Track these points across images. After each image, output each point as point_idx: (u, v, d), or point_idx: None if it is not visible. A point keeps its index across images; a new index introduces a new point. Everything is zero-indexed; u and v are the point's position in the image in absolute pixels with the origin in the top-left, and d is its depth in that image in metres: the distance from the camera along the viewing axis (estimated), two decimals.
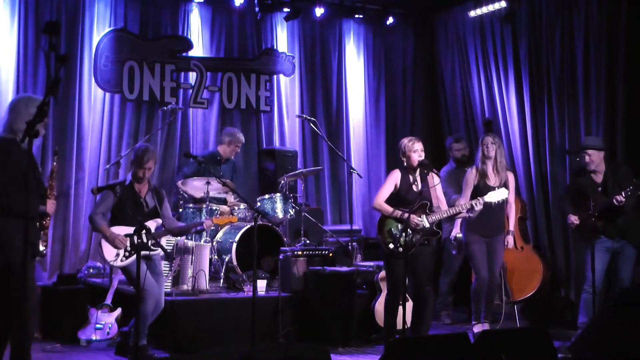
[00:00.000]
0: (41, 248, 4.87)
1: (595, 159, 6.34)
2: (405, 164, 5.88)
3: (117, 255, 5.62)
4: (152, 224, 5.73)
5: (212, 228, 6.50)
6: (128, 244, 5.63)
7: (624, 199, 6.07)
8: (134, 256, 5.56)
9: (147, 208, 5.82)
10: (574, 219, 6.39)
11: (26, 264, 4.51)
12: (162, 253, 5.72)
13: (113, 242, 5.62)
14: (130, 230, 5.52)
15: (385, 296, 5.95)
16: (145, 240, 5.52)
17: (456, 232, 6.85)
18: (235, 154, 7.98)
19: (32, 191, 4.64)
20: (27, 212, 4.27)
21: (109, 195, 5.72)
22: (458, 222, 6.79)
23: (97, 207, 5.79)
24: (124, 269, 5.73)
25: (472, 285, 6.71)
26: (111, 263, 5.66)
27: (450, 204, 7.25)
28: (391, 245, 5.70)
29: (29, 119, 4.52)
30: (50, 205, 4.86)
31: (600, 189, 6.32)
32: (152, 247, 5.63)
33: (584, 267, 6.68)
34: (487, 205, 5.97)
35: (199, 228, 6.04)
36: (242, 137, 8.00)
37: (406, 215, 5.59)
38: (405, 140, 5.91)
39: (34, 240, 4.76)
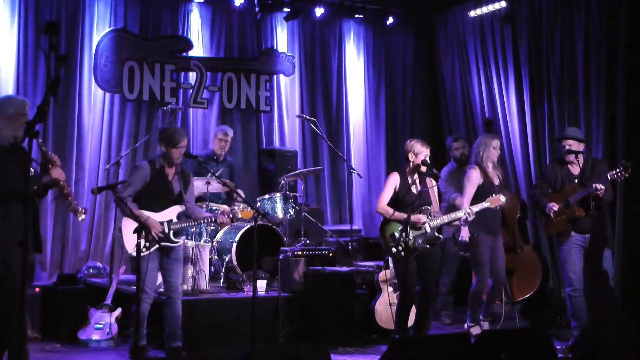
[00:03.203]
0: (83, 216, 4.90)
1: (574, 149, 6.30)
2: (410, 164, 5.88)
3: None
4: (173, 212, 5.60)
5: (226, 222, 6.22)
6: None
7: (603, 188, 6.01)
8: (155, 247, 5.47)
9: (174, 194, 5.64)
10: (552, 204, 6.32)
11: (16, 265, 4.53)
12: (180, 243, 5.64)
13: (149, 229, 5.37)
14: (158, 216, 5.47)
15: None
16: (167, 230, 5.48)
17: (465, 234, 6.45)
18: (224, 148, 7.85)
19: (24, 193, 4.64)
20: (26, 215, 4.27)
21: (137, 175, 5.55)
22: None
23: (125, 189, 5.53)
24: (135, 261, 5.43)
25: (473, 287, 6.65)
26: (130, 252, 5.47)
27: (450, 203, 7.31)
28: (394, 249, 5.72)
29: (5, 120, 4.54)
30: (56, 172, 4.76)
31: (576, 180, 6.29)
32: (173, 240, 5.54)
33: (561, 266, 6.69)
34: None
35: (219, 220, 5.79)
36: (226, 129, 7.95)
37: (407, 216, 5.61)
38: (418, 144, 5.89)
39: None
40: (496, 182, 6.49)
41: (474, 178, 6.43)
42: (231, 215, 5.80)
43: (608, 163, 6.55)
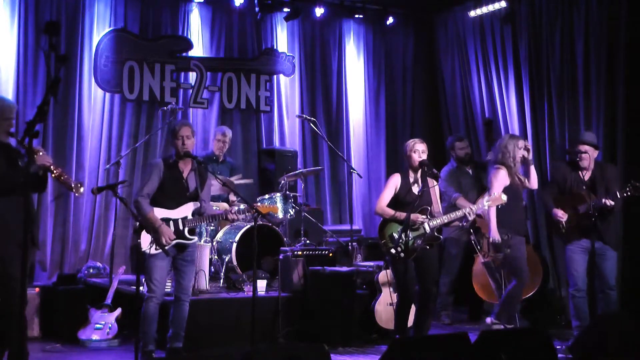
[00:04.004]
0: (82, 190, 4.95)
1: (589, 155, 6.30)
2: (407, 165, 5.89)
3: (152, 242, 5.29)
4: (187, 209, 5.53)
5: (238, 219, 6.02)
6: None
7: (613, 203, 6.05)
8: (170, 245, 5.39)
9: (189, 191, 5.55)
10: (561, 214, 6.32)
11: (14, 263, 4.55)
12: (195, 240, 5.60)
13: (161, 235, 5.31)
14: (172, 213, 5.43)
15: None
16: (181, 227, 5.44)
17: (496, 235, 6.26)
18: (223, 148, 7.83)
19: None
20: (26, 213, 4.28)
21: (151, 173, 5.45)
22: (494, 224, 6.26)
23: (141, 188, 5.45)
24: (148, 258, 5.38)
25: (512, 288, 6.38)
26: (144, 250, 5.34)
27: (451, 202, 7.31)
28: (393, 250, 5.71)
29: None
30: (41, 159, 4.76)
31: (585, 187, 6.29)
32: (188, 237, 5.49)
33: (564, 268, 6.69)
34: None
35: (229, 217, 5.70)
36: (224, 130, 7.93)
37: (407, 215, 5.59)
38: (409, 141, 5.94)
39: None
40: (518, 182, 6.47)
41: (503, 177, 6.30)
42: (247, 212, 5.76)
43: (616, 168, 6.57)
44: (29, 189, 4.72)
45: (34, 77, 7.70)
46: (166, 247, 5.32)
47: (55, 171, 4.88)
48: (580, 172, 6.32)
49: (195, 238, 5.62)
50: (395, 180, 5.87)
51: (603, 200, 6.06)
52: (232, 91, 8.81)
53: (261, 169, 8.87)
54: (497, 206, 6.13)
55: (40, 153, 4.85)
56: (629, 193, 6.04)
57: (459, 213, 5.90)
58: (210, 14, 8.79)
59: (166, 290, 5.74)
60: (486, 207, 5.99)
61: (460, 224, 7.13)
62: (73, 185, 4.94)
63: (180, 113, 8.25)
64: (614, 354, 4.46)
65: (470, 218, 5.95)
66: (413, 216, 5.66)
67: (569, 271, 6.42)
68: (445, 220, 5.88)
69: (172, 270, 5.62)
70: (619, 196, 6.06)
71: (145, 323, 5.38)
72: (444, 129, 9.47)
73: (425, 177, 5.83)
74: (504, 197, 6.00)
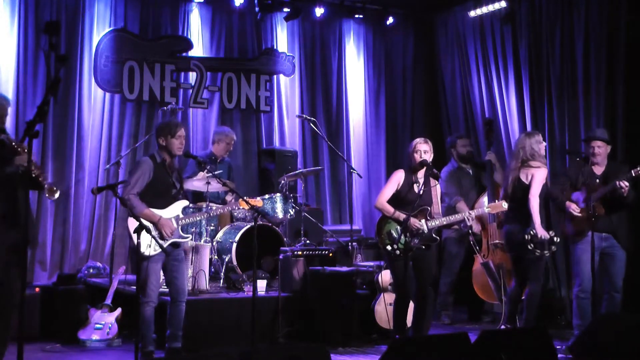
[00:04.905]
0: (56, 195, 4.81)
1: (602, 151, 6.30)
2: (410, 164, 5.89)
3: (149, 245, 5.26)
4: (178, 207, 5.54)
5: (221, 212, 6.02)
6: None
7: (627, 185, 5.97)
8: (167, 243, 5.39)
9: (176, 189, 5.56)
10: (574, 207, 6.25)
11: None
12: (189, 238, 5.58)
13: (162, 228, 5.34)
14: (164, 212, 5.41)
15: (394, 298, 5.97)
16: (175, 226, 5.44)
17: (543, 232, 6.10)
18: (229, 151, 7.88)
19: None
20: (26, 212, 4.27)
21: (142, 172, 5.39)
22: (537, 220, 6.11)
23: (132, 187, 5.34)
24: (145, 260, 5.31)
25: (534, 290, 6.26)
26: (142, 252, 5.26)
27: (452, 204, 7.31)
28: (389, 247, 5.70)
29: None
30: (19, 159, 4.65)
31: (598, 180, 6.28)
32: (183, 235, 5.50)
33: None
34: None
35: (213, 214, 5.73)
36: (231, 134, 7.93)
37: (407, 218, 5.59)
38: (414, 141, 5.91)
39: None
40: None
41: (544, 178, 6.26)
42: (235, 206, 5.75)
43: (626, 166, 6.57)
44: (27, 187, 4.71)
45: (34, 77, 7.70)
46: (165, 245, 5.33)
47: (34, 172, 4.81)
48: (592, 167, 6.32)
49: (190, 236, 5.62)
50: (399, 177, 5.85)
51: (617, 182, 5.97)
52: (232, 91, 8.81)
53: (261, 169, 8.87)
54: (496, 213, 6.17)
55: (21, 153, 4.82)
56: None
57: (458, 217, 5.91)
58: (210, 14, 8.80)
59: (161, 289, 5.74)
60: (486, 212, 6.03)
61: (460, 227, 7.14)
62: (47, 188, 4.81)
63: (180, 113, 8.25)
64: (614, 354, 4.46)
65: (469, 223, 5.96)
66: (412, 221, 5.65)
67: (575, 271, 6.33)
68: (444, 223, 5.88)
69: (164, 273, 5.61)
70: (633, 175, 5.93)
71: (143, 326, 5.39)
72: (444, 129, 9.47)
73: (427, 177, 5.82)
74: (505, 205, 5.99)
